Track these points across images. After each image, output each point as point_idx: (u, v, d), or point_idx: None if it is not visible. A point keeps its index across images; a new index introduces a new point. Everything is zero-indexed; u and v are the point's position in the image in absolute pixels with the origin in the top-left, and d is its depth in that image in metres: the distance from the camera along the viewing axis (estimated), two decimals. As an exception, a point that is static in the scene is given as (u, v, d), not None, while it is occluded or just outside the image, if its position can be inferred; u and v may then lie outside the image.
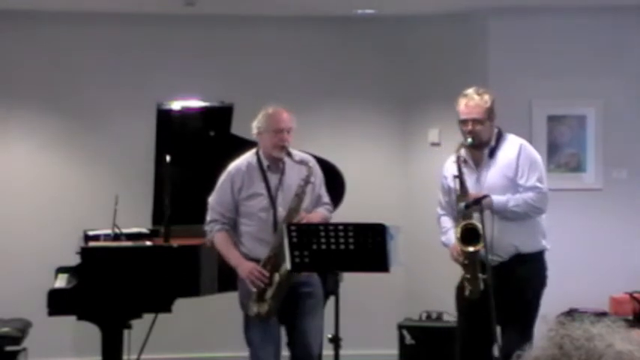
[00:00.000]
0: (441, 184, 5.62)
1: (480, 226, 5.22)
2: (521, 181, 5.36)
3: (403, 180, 7.97)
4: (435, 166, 7.78)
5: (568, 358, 1.54)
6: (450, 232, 5.47)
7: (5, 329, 6.46)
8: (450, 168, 5.46)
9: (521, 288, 5.38)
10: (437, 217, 5.66)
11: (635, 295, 7.13)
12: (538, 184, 5.36)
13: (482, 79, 7.37)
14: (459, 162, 5.31)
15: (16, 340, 6.46)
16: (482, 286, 5.28)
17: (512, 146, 5.41)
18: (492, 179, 5.38)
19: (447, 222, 5.55)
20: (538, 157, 5.48)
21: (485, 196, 5.32)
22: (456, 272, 7.48)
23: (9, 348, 6.41)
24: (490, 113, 5.36)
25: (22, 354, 6.51)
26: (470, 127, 5.31)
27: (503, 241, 5.34)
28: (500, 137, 5.44)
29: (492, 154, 5.40)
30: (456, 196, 5.33)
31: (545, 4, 7.30)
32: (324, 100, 7.89)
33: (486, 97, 5.37)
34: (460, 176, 5.29)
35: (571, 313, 6.99)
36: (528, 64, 7.30)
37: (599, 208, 7.37)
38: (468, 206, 5.31)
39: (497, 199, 5.32)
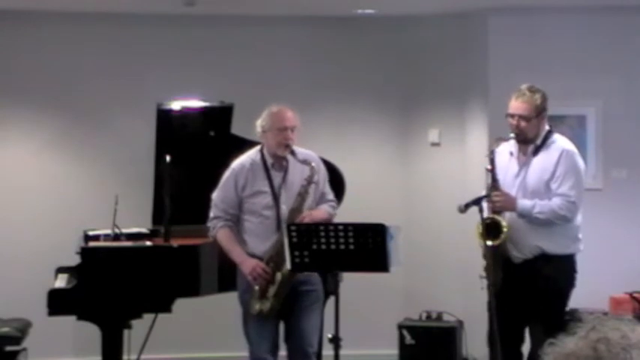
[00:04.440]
0: (486, 170, 5.60)
1: (501, 220, 5.29)
2: (554, 186, 5.35)
3: (403, 180, 7.97)
4: (435, 166, 7.83)
5: None
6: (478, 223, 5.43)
7: (5, 329, 6.45)
8: (496, 159, 5.44)
9: (546, 287, 5.39)
10: None
11: (635, 295, 7.13)
12: (569, 192, 5.34)
13: (482, 79, 7.38)
14: (492, 156, 5.37)
15: (16, 340, 6.46)
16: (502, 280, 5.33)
17: (555, 150, 5.40)
18: (530, 178, 5.41)
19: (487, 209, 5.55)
20: (579, 166, 5.44)
21: (485, 196, 5.36)
22: (456, 272, 7.50)
23: (9, 348, 6.40)
24: (539, 112, 5.37)
25: (22, 354, 6.51)
26: (515, 122, 5.36)
27: (528, 241, 5.37)
28: (547, 138, 5.43)
29: (536, 152, 5.42)
30: (487, 189, 5.38)
31: (545, 4, 7.30)
32: (324, 100, 7.89)
33: (537, 95, 5.40)
34: (492, 171, 5.35)
35: (572, 313, 6.99)
36: (528, 64, 7.29)
37: (599, 208, 7.36)
38: (467, 205, 5.34)
39: (522, 203, 5.34)
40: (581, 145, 7.38)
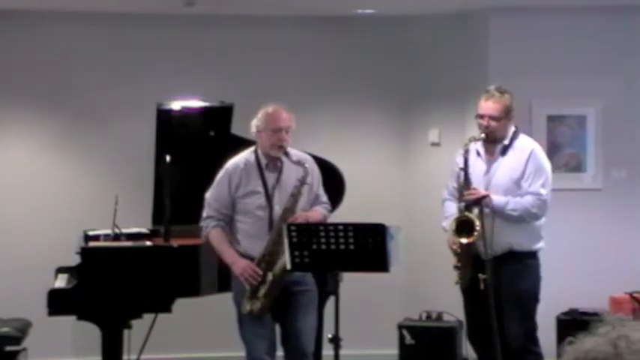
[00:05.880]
0: (453, 170, 5.71)
1: (474, 218, 5.41)
2: (525, 185, 5.52)
3: (403, 180, 7.97)
4: (435, 166, 7.82)
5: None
6: (452, 219, 5.58)
7: (5, 329, 6.45)
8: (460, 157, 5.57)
9: (514, 279, 5.53)
10: (441, 200, 5.77)
11: (635, 295, 7.13)
12: (540, 191, 5.51)
13: (482, 79, 7.37)
14: (466, 155, 5.48)
15: (16, 340, 6.45)
16: (470, 277, 5.49)
17: (523, 150, 5.57)
18: (499, 177, 5.55)
19: (451, 207, 5.69)
20: (547, 164, 5.62)
21: (485, 196, 5.42)
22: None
23: (9, 348, 6.40)
24: (508, 112, 5.53)
25: (22, 354, 6.51)
26: (485, 122, 5.49)
27: (499, 238, 5.50)
28: (515, 137, 5.59)
29: (504, 152, 5.56)
30: (459, 187, 5.50)
31: (545, 4, 7.30)
32: (324, 100, 7.89)
33: (507, 96, 5.55)
34: (465, 169, 5.45)
35: (571, 313, 6.99)
36: (528, 64, 7.29)
37: (599, 208, 7.37)
38: (467, 206, 5.41)
39: (496, 199, 5.48)
40: (581, 145, 7.41)
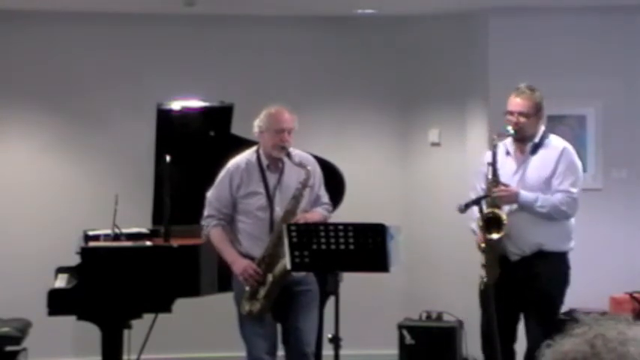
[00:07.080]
0: (480, 171, 5.64)
1: (502, 214, 5.34)
2: (555, 182, 5.47)
3: (403, 180, 7.97)
4: (435, 166, 7.83)
5: (598, 359, 1.51)
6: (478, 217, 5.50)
7: (5, 329, 6.46)
8: (490, 156, 5.52)
9: (542, 283, 5.47)
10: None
11: (635, 295, 7.13)
12: (570, 189, 5.46)
13: (482, 79, 7.39)
14: (494, 150, 5.44)
15: (16, 340, 6.46)
16: (497, 276, 5.39)
17: (554, 148, 5.53)
18: (529, 175, 5.50)
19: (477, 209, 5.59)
20: (577, 163, 5.59)
21: (485, 196, 5.40)
22: (456, 272, 7.50)
23: (9, 348, 6.41)
24: (538, 110, 5.50)
25: (22, 354, 6.51)
26: (515, 118, 5.45)
27: (529, 238, 5.45)
28: (545, 136, 5.55)
29: (534, 151, 5.52)
30: (488, 183, 5.43)
31: (545, 4, 7.30)
32: (324, 100, 7.89)
33: (537, 94, 5.53)
34: (494, 165, 5.40)
35: (571, 313, 6.99)
36: (528, 64, 7.29)
37: (599, 208, 7.36)
38: (467, 205, 5.37)
39: (525, 195, 5.43)
40: (581, 145, 7.40)
